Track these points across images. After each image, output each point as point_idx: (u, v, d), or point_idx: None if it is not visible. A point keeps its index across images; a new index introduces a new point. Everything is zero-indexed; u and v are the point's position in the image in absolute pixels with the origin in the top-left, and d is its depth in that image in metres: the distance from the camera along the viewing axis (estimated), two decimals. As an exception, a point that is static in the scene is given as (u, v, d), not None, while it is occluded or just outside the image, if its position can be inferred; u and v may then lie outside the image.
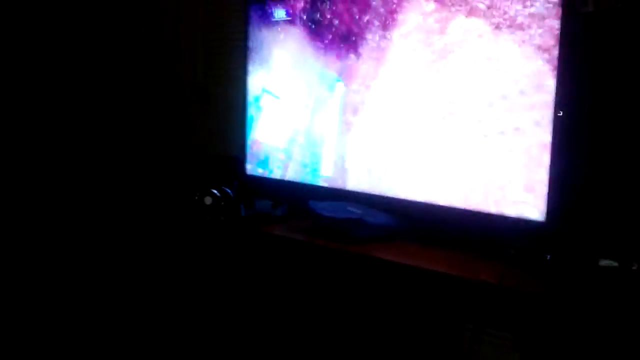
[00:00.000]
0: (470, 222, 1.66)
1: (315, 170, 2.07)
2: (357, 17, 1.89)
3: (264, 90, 2.21)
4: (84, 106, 2.58)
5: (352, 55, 1.93)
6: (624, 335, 1.24)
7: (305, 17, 2.05)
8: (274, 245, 1.85)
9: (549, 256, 1.47)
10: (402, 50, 1.79)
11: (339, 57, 1.97)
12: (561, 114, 1.47)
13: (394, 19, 1.80)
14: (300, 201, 1.95)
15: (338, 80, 1.98)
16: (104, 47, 2.61)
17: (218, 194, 2.13)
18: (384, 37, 1.83)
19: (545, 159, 1.49)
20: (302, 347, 1.77)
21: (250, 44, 2.23)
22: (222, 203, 2.13)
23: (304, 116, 2.10)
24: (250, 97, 2.26)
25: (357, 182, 1.94)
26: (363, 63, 1.90)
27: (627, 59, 1.50)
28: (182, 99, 2.63)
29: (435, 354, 1.51)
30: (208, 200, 2.13)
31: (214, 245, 2.03)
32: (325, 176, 2.04)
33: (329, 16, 1.98)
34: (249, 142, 2.27)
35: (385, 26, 1.83)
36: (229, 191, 2.15)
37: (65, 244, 2.44)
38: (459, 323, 1.47)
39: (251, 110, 2.26)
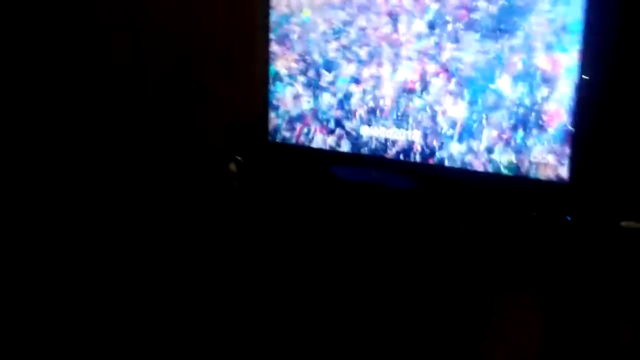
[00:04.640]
0: (492, 185, 1.65)
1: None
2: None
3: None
4: (109, 76, 2.62)
5: None
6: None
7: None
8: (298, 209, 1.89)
9: (569, 217, 1.46)
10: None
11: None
12: (587, 77, 1.43)
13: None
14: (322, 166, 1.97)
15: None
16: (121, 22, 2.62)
17: (242, 161, 2.16)
18: None
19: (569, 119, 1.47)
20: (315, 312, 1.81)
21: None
22: (246, 169, 2.16)
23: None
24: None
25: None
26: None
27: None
28: (203, 63, 2.63)
29: (458, 316, 1.53)
30: (232, 166, 2.17)
31: (240, 210, 2.08)
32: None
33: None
34: (270, 108, 2.24)
35: None
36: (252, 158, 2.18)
37: (90, 213, 2.51)
38: (480, 285, 1.48)
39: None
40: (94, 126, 2.68)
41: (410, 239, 1.60)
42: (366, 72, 1.88)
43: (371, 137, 1.91)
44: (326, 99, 2.01)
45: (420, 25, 1.73)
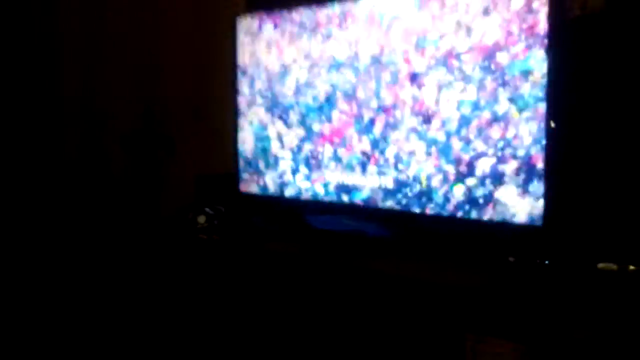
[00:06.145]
0: (467, 231, 1.65)
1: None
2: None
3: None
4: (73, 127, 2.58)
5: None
6: (625, 337, 1.23)
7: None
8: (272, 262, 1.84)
9: (546, 262, 1.46)
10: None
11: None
12: (554, 124, 1.47)
13: None
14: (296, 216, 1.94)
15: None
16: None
17: (212, 213, 2.12)
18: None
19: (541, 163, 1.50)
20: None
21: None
22: (216, 222, 2.12)
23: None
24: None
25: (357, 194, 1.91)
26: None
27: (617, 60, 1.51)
28: (173, 116, 2.62)
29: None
30: (202, 219, 2.12)
31: (209, 264, 2.02)
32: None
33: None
34: (241, 158, 2.22)
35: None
36: (222, 209, 2.14)
37: (66, 263, 2.44)
38: (460, 333, 1.46)
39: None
40: (63, 181, 2.63)
41: (387, 288, 1.58)
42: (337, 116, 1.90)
43: (343, 184, 1.91)
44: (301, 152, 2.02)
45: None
